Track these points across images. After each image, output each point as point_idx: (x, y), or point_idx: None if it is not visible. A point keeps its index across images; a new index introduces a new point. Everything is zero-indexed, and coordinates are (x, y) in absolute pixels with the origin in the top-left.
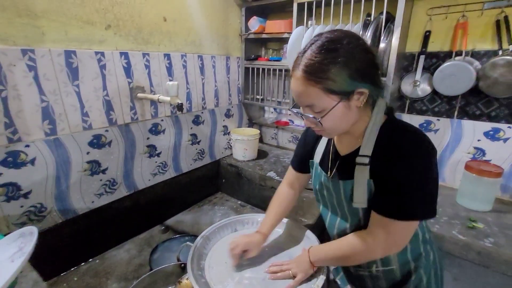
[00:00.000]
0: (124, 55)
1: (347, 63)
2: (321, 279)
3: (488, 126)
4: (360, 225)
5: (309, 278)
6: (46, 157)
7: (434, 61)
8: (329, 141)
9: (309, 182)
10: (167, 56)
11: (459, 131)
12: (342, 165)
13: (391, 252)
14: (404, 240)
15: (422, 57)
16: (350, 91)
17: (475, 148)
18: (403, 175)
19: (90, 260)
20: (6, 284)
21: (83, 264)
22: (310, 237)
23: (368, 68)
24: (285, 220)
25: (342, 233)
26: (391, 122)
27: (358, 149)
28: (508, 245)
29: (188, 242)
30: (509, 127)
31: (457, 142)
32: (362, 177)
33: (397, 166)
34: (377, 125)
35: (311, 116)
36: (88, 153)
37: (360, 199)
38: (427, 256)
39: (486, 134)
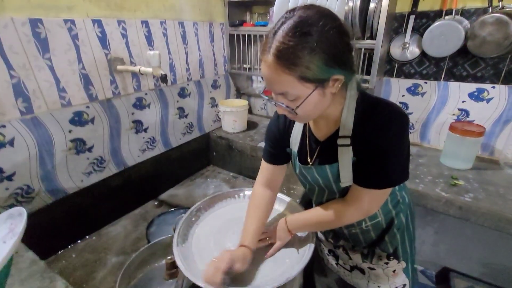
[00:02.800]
0: (97, 23)
1: (323, 48)
2: (309, 248)
3: (473, 87)
4: None
5: (297, 249)
6: (26, 137)
7: (424, 21)
8: (305, 126)
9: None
10: (145, 23)
11: (445, 93)
12: (323, 151)
13: (369, 215)
14: (381, 203)
15: (412, 17)
16: (325, 79)
17: (459, 109)
18: (381, 148)
19: (87, 237)
20: (1, 264)
21: (79, 241)
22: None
23: (344, 53)
24: (287, 199)
25: None
26: (363, 98)
27: (337, 131)
28: (486, 199)
29: (183, 214)
30: (493, 87)
31: (443, 105)
32: (346, 158)
33: (374, 140)
34: (352, 104)
35: (284, 105)
36: (70, 131)
37: (347, 178)
38: (403, 201)
39: (471, 95)
